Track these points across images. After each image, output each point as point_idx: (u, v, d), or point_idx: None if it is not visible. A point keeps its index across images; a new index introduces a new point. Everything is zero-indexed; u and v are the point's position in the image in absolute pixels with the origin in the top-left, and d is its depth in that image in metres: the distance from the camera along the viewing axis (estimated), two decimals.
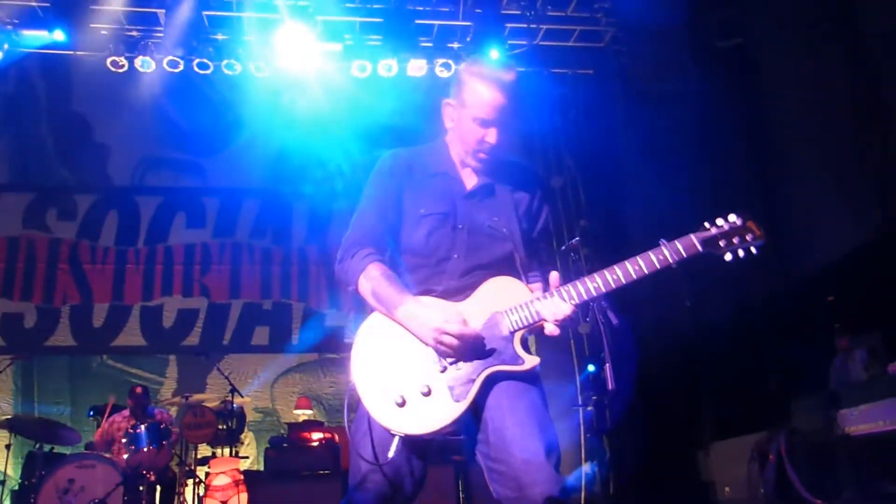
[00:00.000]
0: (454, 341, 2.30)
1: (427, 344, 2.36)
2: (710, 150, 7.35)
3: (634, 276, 2.35)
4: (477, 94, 2.48)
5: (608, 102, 8.85)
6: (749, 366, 6.96)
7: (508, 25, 8.24)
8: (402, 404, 2.32)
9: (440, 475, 5.78)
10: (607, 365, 3.01)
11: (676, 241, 2.38)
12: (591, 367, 7.62)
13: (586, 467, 7.66)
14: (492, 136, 2.50)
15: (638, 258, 2.36)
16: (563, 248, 6.24)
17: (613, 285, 2.36)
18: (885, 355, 6.09)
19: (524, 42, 8.43)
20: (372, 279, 2.47)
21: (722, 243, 2.40)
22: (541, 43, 8.48)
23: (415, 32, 8.03)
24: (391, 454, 2.34)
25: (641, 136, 8.28)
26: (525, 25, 8.28)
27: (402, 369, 2.37)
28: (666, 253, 2.36)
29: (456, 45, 8.32)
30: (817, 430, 5.86)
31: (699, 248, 2.38)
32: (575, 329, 8.20)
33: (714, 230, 2.41)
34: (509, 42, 8.27)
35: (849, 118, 6.44)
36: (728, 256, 2.42)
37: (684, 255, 2.37)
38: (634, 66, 8.46)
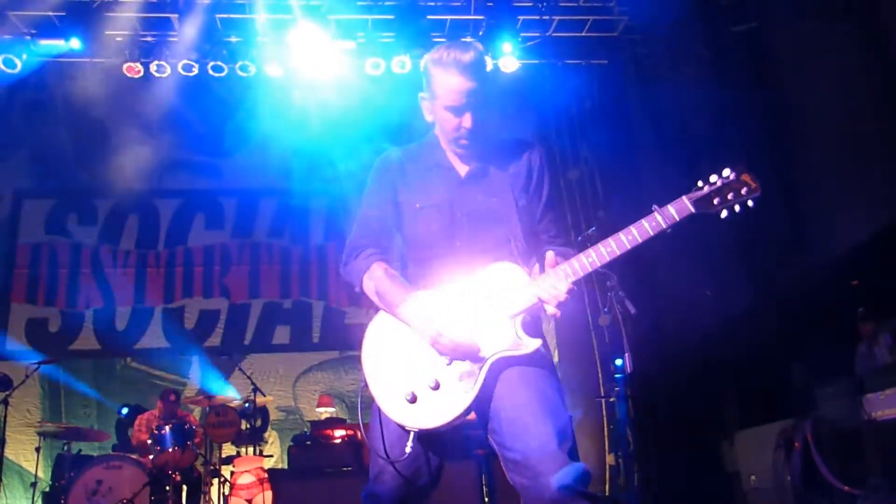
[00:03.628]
0: (446, 348, 2.34)
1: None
2: (727, 136, 7.27)
3: (629, 246, 2.33)
4: (442, 83, 2.46)
5: (623, 92, 8.79)
6: (773, 353, 6.88)
7: (521, 18, 8.21)
8: (412, 400, 2.36)
9: (463, 469, 5.79)
10: (626, 354, 3.01)
11: (668, 205, 2.35)
12: (618, 361, 7.57)
13: (610, 459, 7.62)
14: (467, 120, 2.47)
15: (631, 227, 2.34)
16: (580, 238, 6.21)
17: (608, 257, 2.34)
18: None
19: (537, 34, 8.39)
20: (375, 279, 2.54)
21: (716, 201, 2.34)
22: (554, 34, 8.45)
23: (427, 28, 8.03)
24: (408, 449, 2.36)
25: (657, 126, 8.21)
26: (538, 17, 8.25)
27: (410, 365, 2.41)
28: (658, 219, 2.33)
29: (469, 40, 8.28)
30: (843, 416, 5.78)
31: (692, 209, 2.33)
32: (595, 320, 8.23)
33: (707, 188, 2.36)
34: (522, 34, 8.24)
35: (869, 101, 6.35)
36: (724, 214, 2.36)
37: (677, 219, 2.33)
38: (648, 54, 8.39)
